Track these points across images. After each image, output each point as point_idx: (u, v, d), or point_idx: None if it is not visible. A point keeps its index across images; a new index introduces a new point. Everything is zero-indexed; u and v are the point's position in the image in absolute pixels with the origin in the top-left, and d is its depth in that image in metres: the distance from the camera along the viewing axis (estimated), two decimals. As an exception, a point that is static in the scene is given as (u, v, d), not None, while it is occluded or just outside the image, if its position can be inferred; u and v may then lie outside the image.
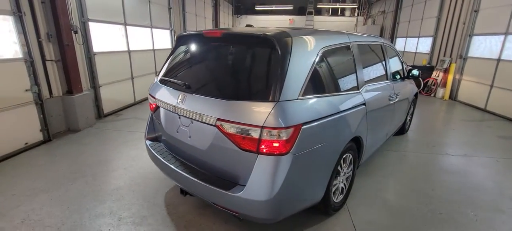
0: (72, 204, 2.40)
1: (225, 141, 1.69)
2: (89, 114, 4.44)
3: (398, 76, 3.54)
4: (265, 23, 17.43)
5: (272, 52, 1.72)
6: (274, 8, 17.05)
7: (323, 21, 17.48)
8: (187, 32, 2.31)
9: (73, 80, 4.13)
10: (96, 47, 4.80)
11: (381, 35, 13.37)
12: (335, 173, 2.12)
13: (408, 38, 10.71)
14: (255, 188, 1.62)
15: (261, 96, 1.62)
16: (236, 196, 1.65)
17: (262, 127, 1.55)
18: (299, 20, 17.61)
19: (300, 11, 17.91)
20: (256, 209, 1.65)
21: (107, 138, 4.02)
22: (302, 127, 1.64)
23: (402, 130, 4.28)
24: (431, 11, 8.97)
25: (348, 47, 2.34)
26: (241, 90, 1.76)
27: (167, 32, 7.75)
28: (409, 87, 3.94)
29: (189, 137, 1.94)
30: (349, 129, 2.13)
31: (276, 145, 1.58)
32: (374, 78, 2.80)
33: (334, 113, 1.95)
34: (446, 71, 7.60)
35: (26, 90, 3.52)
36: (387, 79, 3.09)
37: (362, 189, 2.75)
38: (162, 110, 2.21)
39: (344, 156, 2.22)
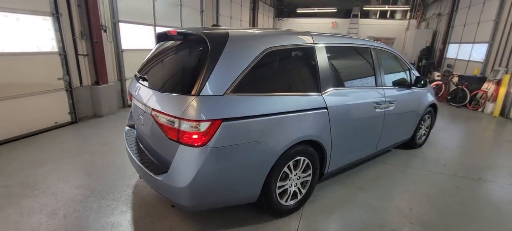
0: (64, 174, 2.84)
1: (158, 130, 1.85)
2: (112, 103, 5.08)
3: (399, 84, 3.25)
4: (306, 26, 17.15)
5: (204, 49, 1.82)
6: (316, 10, 16.66)
7: (369, 25, 16.43)
8: (161, 31, 2.54)
9: (99, 73, 4.79)
10: (125, 44, 5.46)
11: (433, 41, 12.02)
12: (279, 175, 2.09)
13: (461, 44, 9.42)
14: (174, 174, 1.74)
15: (186, 90, 1.73)
16: (160, 180, 1.80)
17: (180, 118, 1.66)
18: (342, 24, 16.87)
19: (345, 13, 17.16)
20: (176, 194, 1.77)
21: (123, 124, 4.56)
22: (223, 122, 1.70)
23: (411, 144, 3.88)
24: (488, 14, 7.77)
25: (308, 49, 2.27)
26: (173, 84, 1.90)
27: (198, 33, 8.30)
28: (420, 96, 3.55)
29: (142, 125, 2.15)
30: (295, 131, 2.08)
31: (194, 136, 1.67)
32: (350, 83, 2.65)
33: (274, 114, 1.94)
34: (498, 83, 6.52)
35: (59, 78, 4.23)
36: (376, 86, 2.87)
37: (329, 198, 2.63)
38: (132, 100, 2.48)
39: (296, 159, 2.18)
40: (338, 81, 2.51)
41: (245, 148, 1.83)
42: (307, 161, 2.29)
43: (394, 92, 3.13)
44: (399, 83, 3.29)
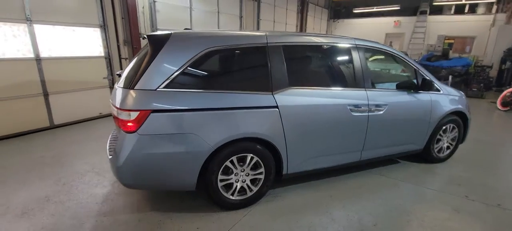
0: (84, 153, 3.55)
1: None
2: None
3: (400, 87, 2.92)
4: (365, 26, 15.98)
5: (149, 49, 2.09)
6: (375, 9, 15.33)
7: (441, 22, 14.21)
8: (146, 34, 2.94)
9: (137, 73, 5.64)
10: (162, 50, 6.26)
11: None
12: (220, 168, 2.20)
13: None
14: (116, 155, 2.05)
15: (129, 85, 2.03)
16: (109, 159, 2.15)
17: (118, 108, 1.97)
18: (407, 22, 15.06)
19: (412, 10, 15.28)
20: (115, 172, 2.08)
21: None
22: (152, 113, 1.94)
23: (427, 157, 3.37)
24: None
25: (259, 48, 2.31)
26: (127, 80, 2.21)
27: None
28: (432, 102, 3.08)
29: None
30: (235, 127, 2.15)
31: (129, 124, 1.96)
32: (315, 83, 2.54)
33: (210, 109, 2.08)
34: None
35: (104, 78, 5.20)
36: (356, 87, 2.66)
37: (290, 200, 2.57)
38: None
39: (241, 155, 2.25)
40: (298, 81, 2.45)
41: (176, 138, 2.02)
42: (256, 158, 2.33)
43: (386, 95, 2.82)
44: (400, 86, 2.95)
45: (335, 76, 2.73)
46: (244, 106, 2.19)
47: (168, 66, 2.02)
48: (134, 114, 1.92)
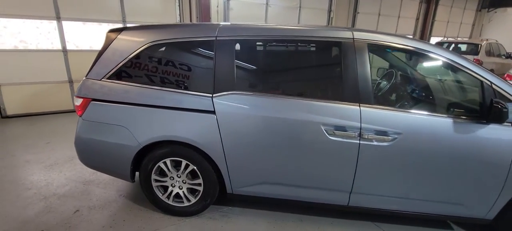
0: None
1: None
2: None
3: (443, 107, 1.85)
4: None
5: (104, 42, 2.23)
6: None
7: None
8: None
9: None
10: (233, 46, 6.59)
11: None
12: (153, 167, 2.11)
13: None
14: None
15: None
16: None
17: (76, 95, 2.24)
18: None
19: None
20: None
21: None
22: (92, 101, 2.09)
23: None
24: None
25: (206, 43, 2.00)
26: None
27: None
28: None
29: None
30: (163, 128, 1.98)
31: (78, 109, 2.19)
32: (274, 89, 1.96)
33: (142, 105, 2.01)
34: None
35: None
36: (344, 100, 1.87)
37: (233, 224, 2.17)
38: None
39: (175, 159, 2.08)
40: (250, 84, 1.98)
41: (111, 128, 2.09)
42: (192, 167, 2.09)
43: (402, 118, 1.82)
44: (436, 108, 1.84)
45: (310, 82, 1.99)
46: (177, 107, 1.99)
47: (113, 59, 2.10)
48: (79, 101, 2.13)
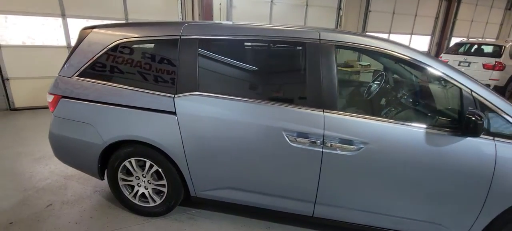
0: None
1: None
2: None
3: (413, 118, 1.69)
4: None
5: (76, 40, 2.25)
6: None
7: None
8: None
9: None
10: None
11: None
12: (119, 166, 2.11)
13: None
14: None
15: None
16: None
17: (48, 92, 2.28)
18: None
19: None
20: None
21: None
22: (62, 98, 2.11)
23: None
24: None
25: (171, 42, 1.95)
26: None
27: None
28: (494, 160, 1.57)
29: None
30: (125, 127, 1.97)
31: (50, 105, 2.23)
32: (235, 92, 1.87)
33: (107, 103, 2.01)
34: None
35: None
36: (309, 106, 1.75)
37: (198, 226, 2.11)
38: None
39: (140, 158, 2.07)
40: (212, 86, 1.90)
41: (78, 126, 2.10)
42: (156, 167, 2.06)
43: (370, 126, 1.68)
44: (404, 116, 1.69)
45: (274, 85, 1.89)
46: (139, 107, 1.96)
47: (82, 57, 2.11)
48: (51, 97, 2.17)
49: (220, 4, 6.17)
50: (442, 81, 1.69)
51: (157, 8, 5.59)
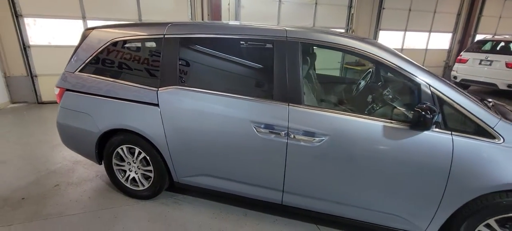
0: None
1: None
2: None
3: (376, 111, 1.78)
4: None
5: (79, 39, 2.53)
6: None
7: None
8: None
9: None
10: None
11: None
12: (113, 152, 2.36)
13: None
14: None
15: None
16: None
17: (56, 86, 2.59)
18: None
19: None
20: None
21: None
22: (66, 91, 2.40)
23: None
24: None
25: (156, 40, 2.16)
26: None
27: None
28: (451, 153, 1.60)
29: None
30: (116, 118, 2.20)
31: (57, 97, 2.53)
32: (211, 86, 2.03)
33: (103, 95, 2.26)
34: None
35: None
36: (276, 100, 1.88)
37: (180, 210, 2.32)
38: None
39: (130, 146, 2.30)
40: (190, 80, 2.08)
41: (79, 115, 2.38)
42: (143, 154, 2.29)
43: (330, 119, 1.77)
44: (376, 110, 1.78)
45: (245, 80, 2.01)
46: (130, 99, 2.19)
47: (83, 55, 2.39)
48: (57, 90, 2.47)
49: (229, 4, 6.36)
50: (402, 76, 1.72)
51: (168, 9, 5.91)
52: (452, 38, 9.50)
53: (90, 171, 2.91)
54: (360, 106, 2.13)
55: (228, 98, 1.97)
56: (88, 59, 2.35)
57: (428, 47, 9.20)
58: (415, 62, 1.74)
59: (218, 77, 2.14)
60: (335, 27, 7.51)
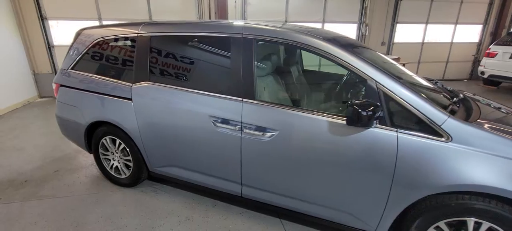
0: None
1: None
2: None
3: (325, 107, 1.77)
4: None
5: (72, 39, 2.78)
6: None
7: None
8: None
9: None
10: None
11: None
12: (99, 142, 2.59)
13: None
14: (57, 112, 3.00)
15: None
16: None
17: (54, 82, 2.87)
18: None
19: None
20: None
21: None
22: (61, 86, 2.67)
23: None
24: None
25: (131, 39, 2.32)
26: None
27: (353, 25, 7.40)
28: (396, 150, 1.56)
29: None
30: (97, 111, 2.42)
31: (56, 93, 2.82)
32: (177, 81, 2.14)
33: (88, 91, 2.49)
34: None
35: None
36: (231, 95, 1.95)
37: (156, 199, 2.48)
38: None
39: (112, 137, 2.51)
40: (159, 76, 2.21)
41: (70, 108, 2.64)
42: (123, 145, 2.48)
43: (280, 115, 1.80)
44: (324, 105, 1.77)
45: (205, 76, 2.08)
46: (109, 94, 2.39)
47: (75, 53, 2.64)
48: (54, 86, 2.75)
49: (235, 1, 6.45)
50: (353, 73, 1.68)
51: (176, 9, 6.17)
52: (483, 30, 8.70)
53: (87, 160, 3.20)
54: (317, 102, 2.11)
55: (191, 94, 2.07)
56: (79, 57, 2.59)
57: (454, 41, 8.53)
58: (365, 58, 1.69)
59: (183, 73, 2.25)
60: (347, 22, 7.28)
